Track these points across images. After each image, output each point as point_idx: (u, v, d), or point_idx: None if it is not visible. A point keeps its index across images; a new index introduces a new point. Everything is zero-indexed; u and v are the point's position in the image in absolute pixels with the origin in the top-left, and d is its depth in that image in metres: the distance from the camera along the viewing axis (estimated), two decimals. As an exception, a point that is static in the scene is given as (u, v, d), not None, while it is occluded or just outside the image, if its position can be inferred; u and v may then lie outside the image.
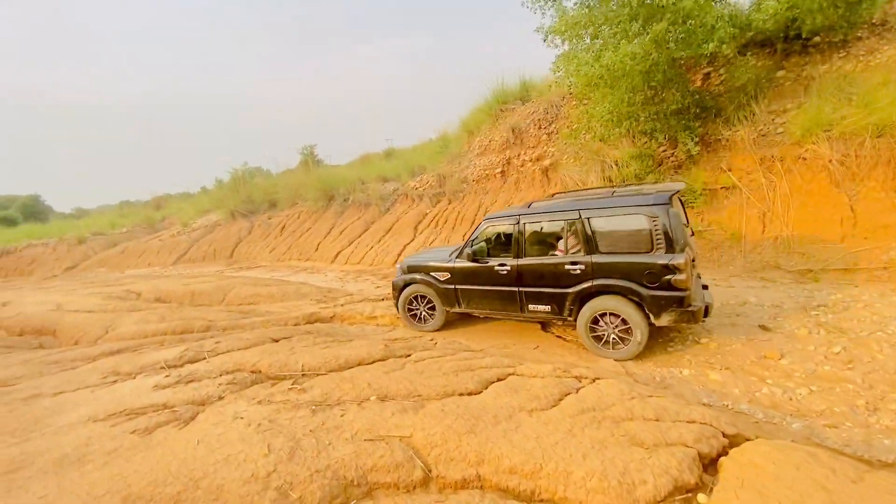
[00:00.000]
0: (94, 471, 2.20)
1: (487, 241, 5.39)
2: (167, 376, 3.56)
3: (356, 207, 15.90)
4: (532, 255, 4.93)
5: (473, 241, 5.33)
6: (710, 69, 8.81)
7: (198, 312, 6.56)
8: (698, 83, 8.79)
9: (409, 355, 4.04)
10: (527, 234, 4.96)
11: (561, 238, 4.79)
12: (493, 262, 5.13)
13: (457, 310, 5.57)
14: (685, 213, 5.00)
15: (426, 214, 13.17)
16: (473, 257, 5.25)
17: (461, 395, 3.00)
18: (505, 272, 5.02)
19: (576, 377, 3.41)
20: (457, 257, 5.49)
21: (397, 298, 5.99)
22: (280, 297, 7.70)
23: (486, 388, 3.13)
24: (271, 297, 7.67)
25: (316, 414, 2.67)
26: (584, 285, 4.53)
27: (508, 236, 5.24)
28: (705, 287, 4.99)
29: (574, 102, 11.13)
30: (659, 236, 4.14)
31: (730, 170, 7.67)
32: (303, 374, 3.54)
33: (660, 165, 8.56)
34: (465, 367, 3.55)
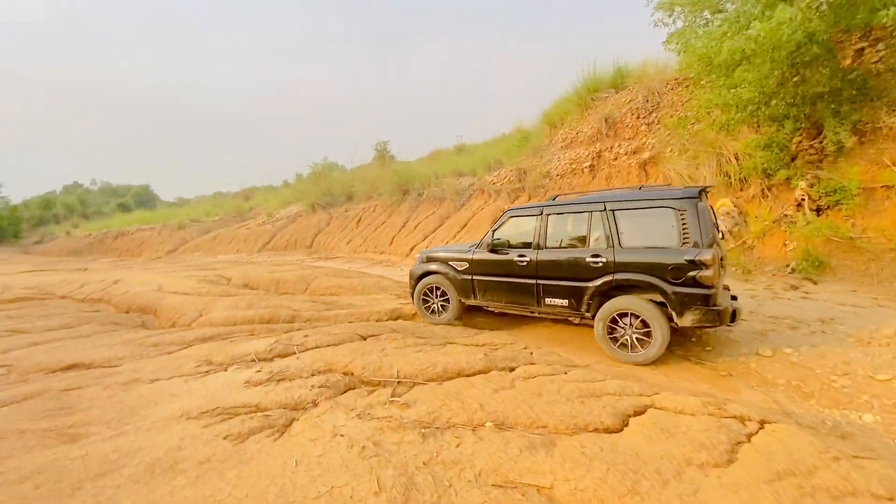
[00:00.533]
0: (186, 486, 1.92)
1: (509, 233, 5.34)
2: (258, 371, 3.34)
3: (430, 202, 15.69)
4: (553, 248, 4.91)
5: (495, 231, 5.38)
6: (865, 44, 7.30)
7: (283, 301, 6.52)
8: (848, 61, 7.32)
9: (514, 369, 3.51)
10: (549, 227, 4.96)
11: (585, 231, 4.71)
12: (513, 253, 5.14)
13: (471, 301, 5.63)
14: (714, 215, 4.74)
15: (504, 210, 12.57)
16: (493, 248, 5.32)
17: (597, 430, 2.42)
18: (524, 263, 5.02)
19: (736, 417, 2.68)
20: (476, 248, 5.56)
21: (413, 288, 6.07)
22: (361, 289, 7.53)
23: (626, 423, 2.51)
24: (353, 289, 7.53)
25: (427, 440, 2.22)
26: (605, 279, 4.42)
27: (530, 229, 5.13)
28: (734, 298, 4.72)
29: (679, 88, 9.93)
30: (686, 231, 4.06)
31: (894, 164, 6.25)
32: (399, 382, 3.15)
33: (794, 159, 7.25)
34: (588, 391, 2.95)
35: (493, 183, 14.02)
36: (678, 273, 4.04)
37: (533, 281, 4.98)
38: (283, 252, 18.39)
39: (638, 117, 10.52)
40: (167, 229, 24.53)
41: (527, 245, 5.09)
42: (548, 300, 4.89)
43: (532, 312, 5.19)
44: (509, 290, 5.24)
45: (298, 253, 17.60)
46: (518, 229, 5.29)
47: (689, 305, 4.01)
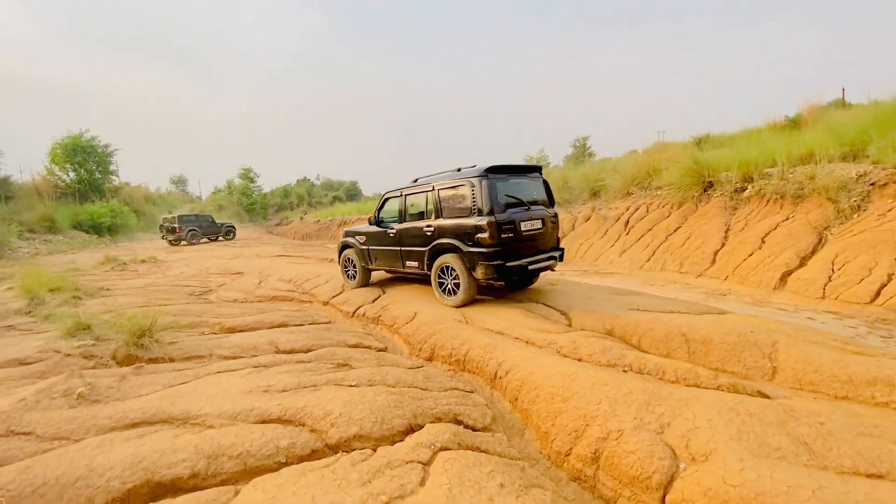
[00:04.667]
0: None
1: (387, 211, 6.64)
2: None
3: (768, 203, 10.12)
4: (408, 222, 6.14)
5: (379, 210, 6.68)
6: None
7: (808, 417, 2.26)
8: None
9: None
10: (407, 204, 6.19)
11: (424, 207, 5.93)
12: (388, 227, 6.44)
13: (370, 267, 7.07)
14: (548, 190, 6.02)
15: None
16: (377, 222, 6.67)
17: None
18: (392, 234, 6.36)
19: None
20: (369, 224, 6.80)
21: (339, 258, 7.56)
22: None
23: None
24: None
25: None
26: (433, 243, 5.65)
27: (397, 207, 6.35)
28: (553, 259, 5.81)
29: None
30: (476, 203, 5.14)
31: None
32: None
33: None
34: None
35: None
36: (470, 237, 5.18)
37: (398, 248, 6.29)
38: (519, 256, 15.04)
39: None
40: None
41: (395, 220, 6.40)
42: (407, 263, 6.17)
43: (403, 273, 6.55)
44: (387, 257, 6.57)
45: (541, 260, 13.98)
46: (392, 207, 6.53)
47: (477, 262, 5.09)
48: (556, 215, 6.07)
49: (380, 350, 4.53)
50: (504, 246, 5.05)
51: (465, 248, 5.18)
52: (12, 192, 25.27)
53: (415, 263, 6.01)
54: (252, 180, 49.90)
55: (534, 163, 26.19)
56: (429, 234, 5.70)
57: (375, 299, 6.48)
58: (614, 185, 15.63)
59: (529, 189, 5.71)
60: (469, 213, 5.21)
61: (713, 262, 9.51)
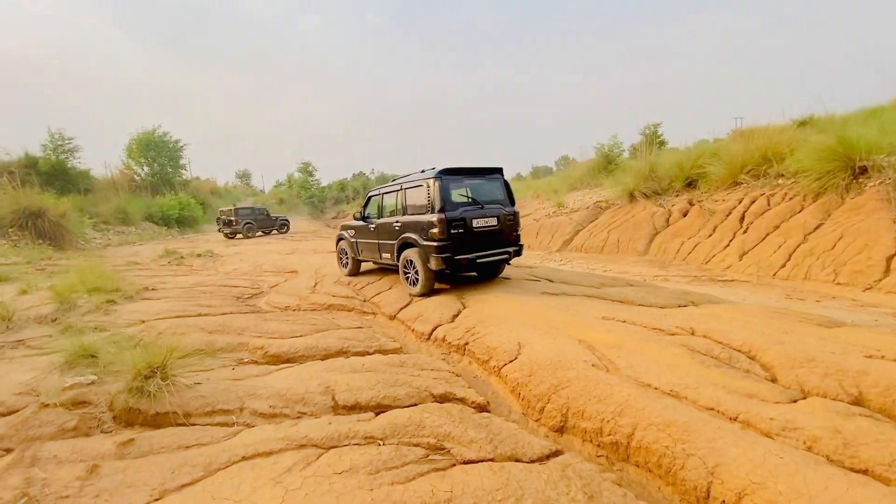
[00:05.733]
0: None
1: (371, 208, 7.51)
2: None
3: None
4: (384, 217, 6.90)
5: (364, 206, 7.63)
6: None
7: None
8: None
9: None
10: (383, 202, 7.02)
11: (396, 205, 6.61)
12: (370, 222, 7.24)
13: (358, 258, 8.01)
14: (508, 190, 6.55)
15: None
16: (362, 218, 7.55)
17: None
18: (372, 229, 7.17)
19: None
20: (354, 219, 7.82)
21: (336, 248, 8.66)
22: None
23: None
24: None
25: None
26: (400, 238, 6.28)
27: (377, 204, 7.22)
28: (507, 261, 6.50)
29: None
30: (431, 201, 5.69)
31: None
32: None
33: None
34: None
35: None
36: (425, 232, 5.73)
37: (376, 241, 7.04)
38: (600, 256, 13.10)
39: None
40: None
41: (375, 216, 7.21)
42: (383, 255, 6.89)
43: (381, 265, 7.36)
44: (369, 249, 7.38)
45: (628, 260, 11.97)
46: (374, 204, 7.40)
47: (430, 253, 5.61)
48: (514, 213, 6.50)
49: (480, 408, 3.06)
50: (454, 240, 5.61)
51: (422, 242, 5.76)
52: (91, 184, 26.62)
53: (388, 255, 6.73)
54: (311, 174, 50.55)
55: (606, 150, 24.25)
56: (397, 228, 6.41)
57: (455, 316, 5.05)
58: (717, 174, 13.18)
59: (486, 189, 6.25)
60: (426, 210, 5.80)
61: (886, 271, 7.18)
